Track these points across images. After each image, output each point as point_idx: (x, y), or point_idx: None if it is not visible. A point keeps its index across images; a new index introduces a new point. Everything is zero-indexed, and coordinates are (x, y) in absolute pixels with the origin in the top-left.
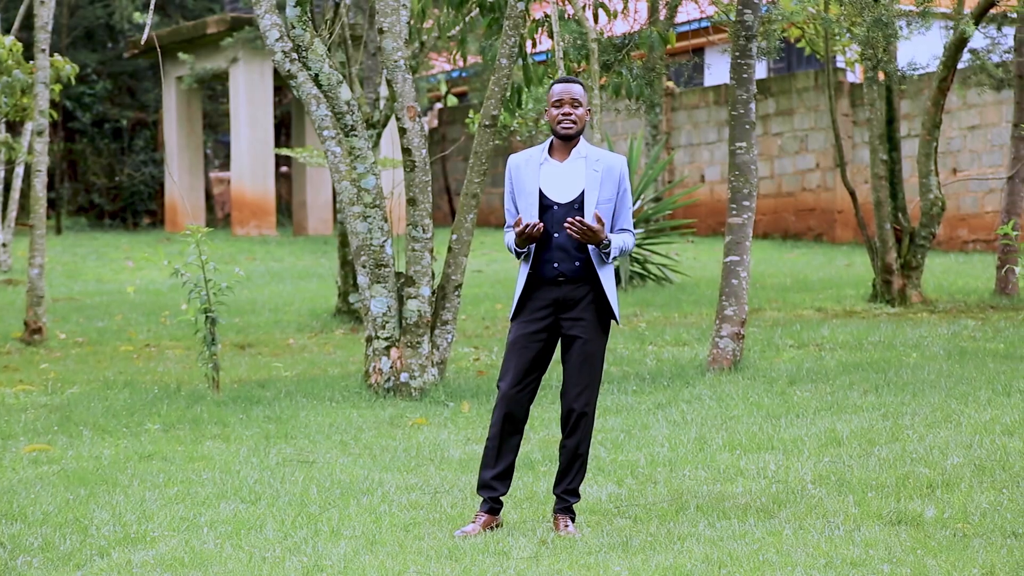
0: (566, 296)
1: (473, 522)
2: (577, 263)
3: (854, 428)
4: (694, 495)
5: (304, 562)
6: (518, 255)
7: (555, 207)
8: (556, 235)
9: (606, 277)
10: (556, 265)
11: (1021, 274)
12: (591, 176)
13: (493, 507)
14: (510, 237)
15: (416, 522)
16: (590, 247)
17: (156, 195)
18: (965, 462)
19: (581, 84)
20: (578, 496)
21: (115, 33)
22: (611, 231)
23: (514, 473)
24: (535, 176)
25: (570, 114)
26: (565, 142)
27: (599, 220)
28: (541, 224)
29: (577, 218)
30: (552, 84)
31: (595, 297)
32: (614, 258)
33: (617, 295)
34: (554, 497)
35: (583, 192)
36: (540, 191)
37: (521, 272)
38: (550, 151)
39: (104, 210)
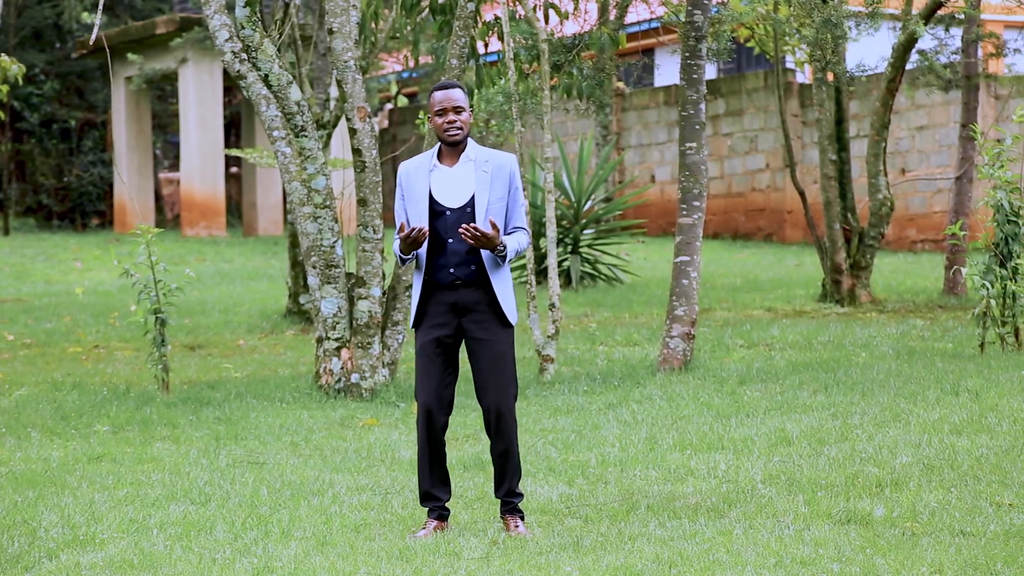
0: (464, 300)
1: (424, 528)
2: (472, 267)
3: (804, 428)
4: (645, 495)
5: (254, 563)
6: (403, 261)
7: (447, 212)
8: (450, 240)
9: (500, 280)
10: (452, 270)
11: (969, 274)
12: (481, 178)
13: (441, 514)
14: (396, 244)
15: (367, 523)
16: (484, 252)
17: (105, 196)
18: (914, 461)
19: (461, 88)
20: (521, 495)
21: (63, 33)
22: (505, 230)
23: (450, 477)
24: (425, 183)
25: (454, 121)
26: (453, 147)
27: (493, 226)
28: (425, 228)
29: (472, 225)
30: (432, 92)
31: (492, 300)
32: (510, 260)
33: (514, 296)
34: (499, 502)
35: (474, 195)
36: (431, 197)
37: (416, 280)
38: (439, 157)
39: (52, 211)
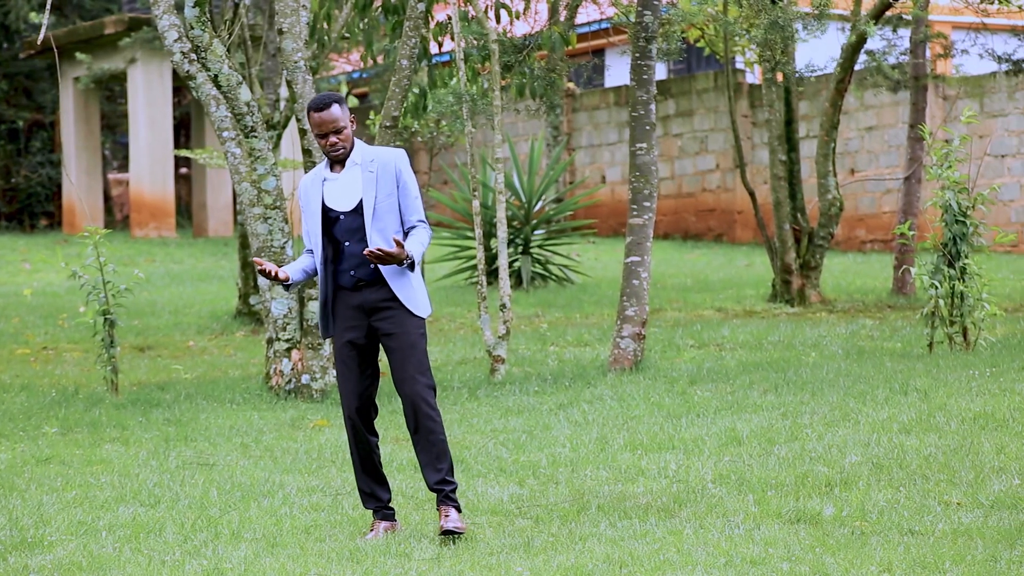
0: (368, 300)
1: (372, 530)
2: (372, 266)
3: (754, 427)
4: (595, 495)
5: (204, 565)
6: (287, 288)
7: (341, 217)
8: (347, 244)
9: (400, 276)
10: (352, 273)
11: (918, 274)
12: (367, 178)
13: (386, 514)
14: (296, 262)
15: (317, 524)
16: (386, 266)
17: (53, 197)
18: (863, 460)
19: (338, 102)
20: (453, 483)
21: (11, 33)
22: (402, 225)
23: (386, 476)
24: (318, 193)
25: (336, 143)
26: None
27: (398, 243)
28: (275, 269)
29: (377, 248)
30: (309, 111)
31: (396, 297)
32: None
33: (424, 286)
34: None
35: (362, 197)
36: (324, 205)
37: (319, 291)
38: (330, 166)
39: (0, 212)
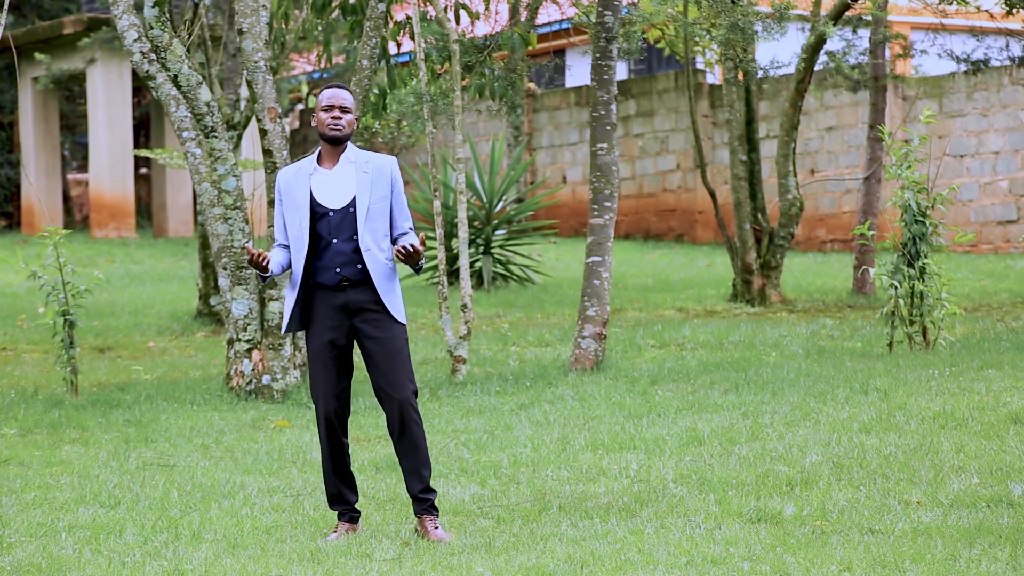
0: (353, 301)
1: (335, 531)
2: (359, 266)
3: (715, 427)
4: (557, 495)
5: (164, 566)
6: (263, 279)
7: (330, 213)
8: (334, 241)
9: (386, 278)
10: (338, 270)
11: (877, 274)
12: (362, 179)
13: (352, 516)
14: (272, 256)
15: (278, 525)
16: (372, 257)
17: (12, 197)
18: (823, 460)
19: (350, 91)
20: (434, 491)
21: None
22: (392, 230)
23: (355, 478)
24: (305, 186)
25: (340, 118)
26: (334, 147)
27: (422, 242)
28: (267, 255)
29: (409, 243)
30: (322, 90)
31: (380, 299)
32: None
33: (401, 295)
34: (412, 501)
35: (355, 196)
36: (313, 199)
37: (291, 286)
38: (319, 160)
39: None
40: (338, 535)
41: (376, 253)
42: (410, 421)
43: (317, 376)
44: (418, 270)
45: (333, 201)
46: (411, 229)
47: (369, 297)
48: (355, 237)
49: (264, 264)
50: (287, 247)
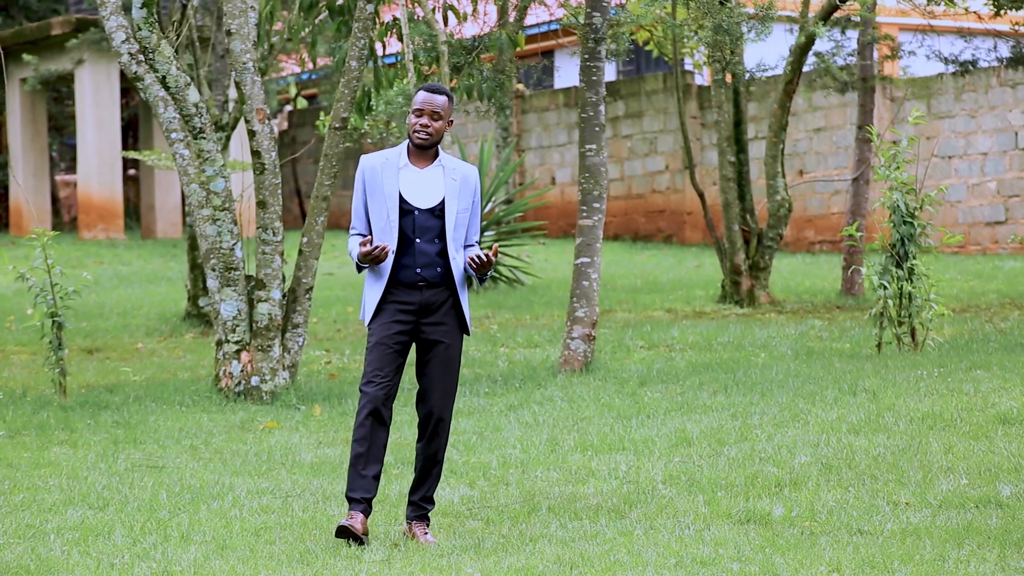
0: (427, 301)
1: (351, 518)
2: (439, 268)
3: (704, 428)
4: (546, 496)
5: (153, 568)
6: (359, 268)
7: (416, 212)
8: (417, 240)
9: (462, 285)
10: (419, 270)
11: (866, 275)
12: (450, 185)
13: (367, 508)
14: (354, 245)
15: (267, 526)
16: (457, 265)
17: (0, 198)
18: (812, 461)
19: (448, 96)
20: (433, 503)
21: None
22: (465, 242)
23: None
24: (394, 180)
25: (428, 126)
26: (421, 150)
27: (495, 253)
28: (388, 249)
29: (482, 252)
30: (419, 89)
31: (454, 303)
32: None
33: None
34: (407, 503)
35: (443, 200)
36: (400, 196)
37: (377, 278)
38: (408, 156)
39: None
40: (357, 521)
41: (458, 259)
42: (442, 431)
43: (373, 363)
44: (482, 280)
45: (421, 200)
46: (478, 243)
47: (441, 299)
48: (438, 240)
49: (384, 256)
50: (362, 236)
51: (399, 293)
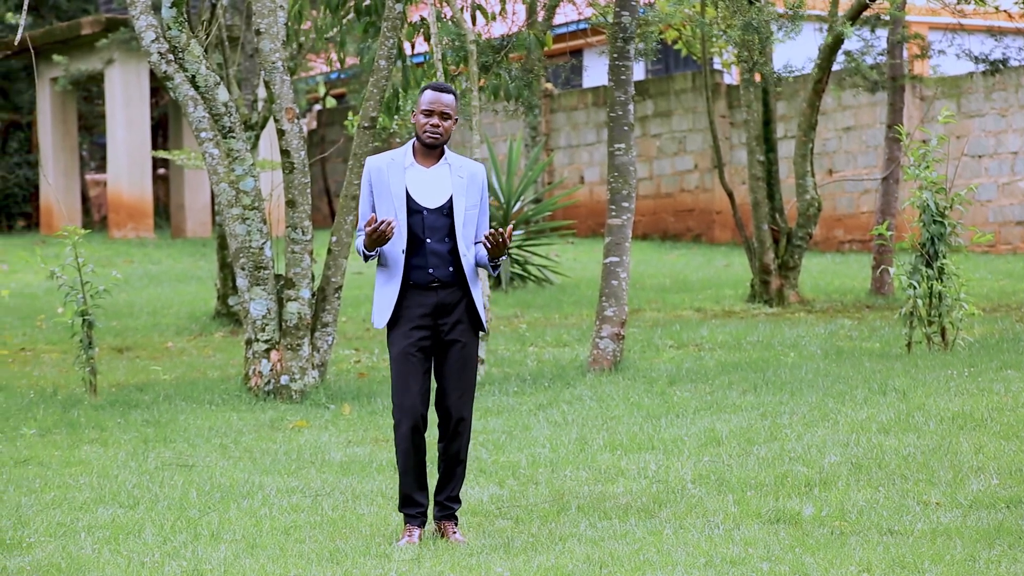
0: (442, 301)
1: (407, 535)
2: (451, 268)
3: (733, 427)
4: (575, 495)
5: (183, 566)
6: (366, 258)
7: (424, 212)
8: (428, 240)
9: (475, 283)
10: (431, 271)
11: (896, 274)
12: (457, 183)
13: (422, 521)
14: (360, 240)
15: (297, 525)
16: (467, 258)
17: (31, 197)
18: (842, 460)
19: (453, 94)
20: (460, 502)
21: None
22: (475, 239)
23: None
24: (400, 179)
25: (438, 126)
26: (429, 149)
27: (509, 235)
28: (395, 221)
29: (501, 230)
30: (424, 89)
31: (468, 302)
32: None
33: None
34: (434, 504)
35: (451, 198)
36: (408, 195)
37: (388, 279)
38: (414, 155)
39: None
40: (407, 541)
41: (469, 258)
42: (463, 430)
43: (405, 379)
44: (496, 267)
45: (428, 200)
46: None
47: (456, 299)
48: (448, 239)
49: (391, 232)
50: None
51: (415, 296)
